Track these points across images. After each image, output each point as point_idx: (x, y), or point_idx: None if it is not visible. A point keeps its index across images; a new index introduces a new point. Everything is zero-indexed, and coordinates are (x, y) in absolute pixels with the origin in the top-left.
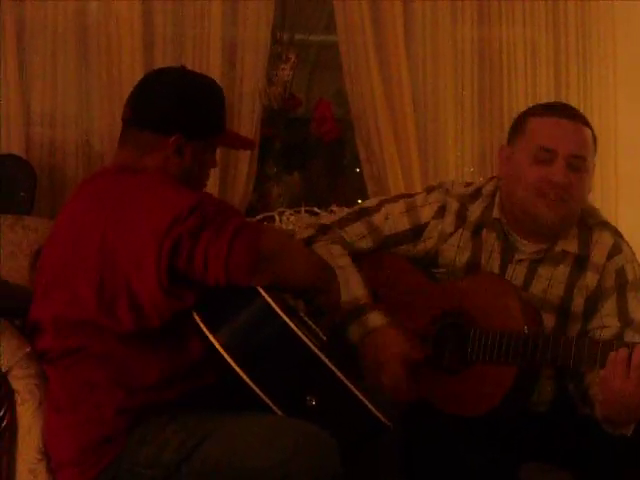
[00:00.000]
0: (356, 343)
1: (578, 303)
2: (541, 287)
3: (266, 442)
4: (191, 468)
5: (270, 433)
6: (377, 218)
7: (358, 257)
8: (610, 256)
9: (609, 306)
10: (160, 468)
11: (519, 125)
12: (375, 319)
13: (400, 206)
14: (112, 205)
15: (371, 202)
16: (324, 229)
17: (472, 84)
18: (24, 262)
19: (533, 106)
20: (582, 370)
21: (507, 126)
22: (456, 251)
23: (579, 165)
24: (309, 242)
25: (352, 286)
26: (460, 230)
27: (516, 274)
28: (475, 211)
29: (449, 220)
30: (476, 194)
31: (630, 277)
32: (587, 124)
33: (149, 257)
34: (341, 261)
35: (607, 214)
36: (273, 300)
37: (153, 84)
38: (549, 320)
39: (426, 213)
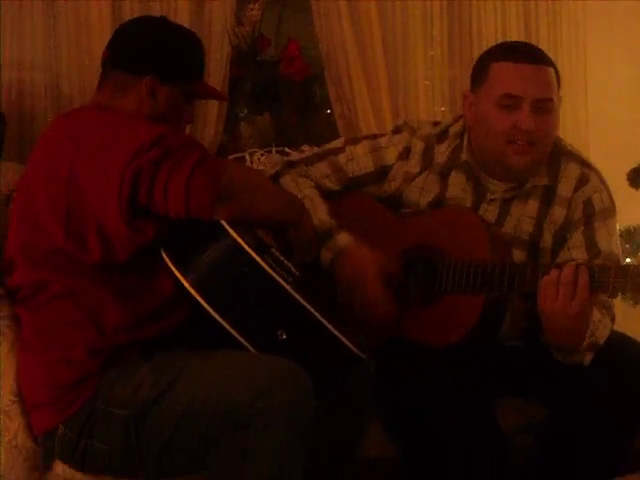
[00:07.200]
0: (329, 267)
1: (546, 239)
2: (512, 225)
3: (239, 377)
4: (165, 407)
5: (244, 368)
6: (341, 158)
7: (324, 196)
8: (577, 188)
9: (576, 238)
10: (133, 408)
11: (481, 71)
12: (344, 238)
13: (364, 147)
14: (81, 138)
15: (336, 143)
16: (291, 164)
17: (442, 22)
18: None
19: (493, 48)
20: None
21: None
22: (420, 192)
23: (545, 107)
24: (276, 177)
25: (318, 212)
26: (425, 172)
27: (488, 213)
28: (443, 153)
29: (414, 161)
30: (443, 135)
31: (597, 207)
32: (549, 63)
33: (111, 187)
34: (308, 191)
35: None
36: (240, 236)
37: (132, 27)
38: (520, 256)
39: (390, 154)
